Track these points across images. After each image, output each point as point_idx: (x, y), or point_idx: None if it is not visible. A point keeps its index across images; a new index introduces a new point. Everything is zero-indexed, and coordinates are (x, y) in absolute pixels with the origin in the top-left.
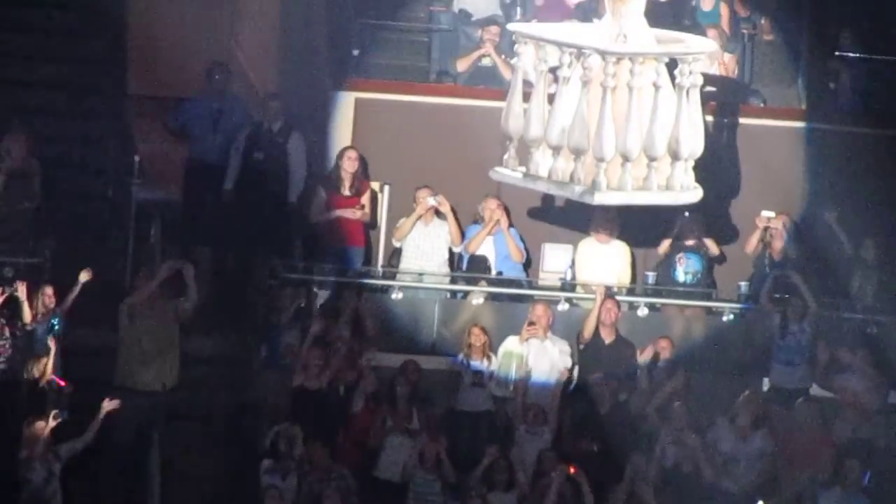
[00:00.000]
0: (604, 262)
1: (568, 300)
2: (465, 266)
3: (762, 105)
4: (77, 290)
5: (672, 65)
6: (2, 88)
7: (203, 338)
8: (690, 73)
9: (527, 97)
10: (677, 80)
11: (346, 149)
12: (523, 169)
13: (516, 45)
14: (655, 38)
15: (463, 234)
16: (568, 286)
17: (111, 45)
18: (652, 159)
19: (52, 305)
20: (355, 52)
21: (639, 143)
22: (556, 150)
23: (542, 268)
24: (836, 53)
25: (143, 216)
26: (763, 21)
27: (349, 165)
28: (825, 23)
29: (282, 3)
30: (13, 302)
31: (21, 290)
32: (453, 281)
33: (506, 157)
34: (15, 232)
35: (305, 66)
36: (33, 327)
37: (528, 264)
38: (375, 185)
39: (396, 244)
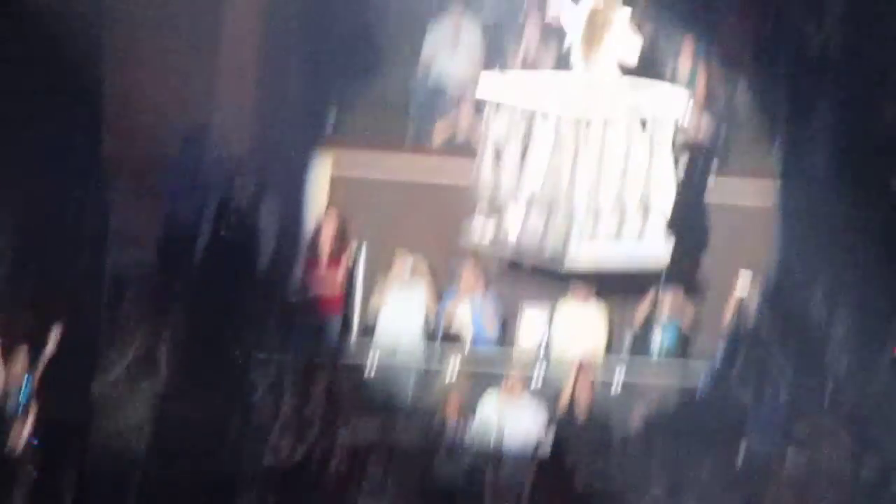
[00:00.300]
0: (580, 327)
1: (544, 365)
2: (440, 331)
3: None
4: (49, 347)
5: (643, 118)
6: None
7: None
8: (661, 127)
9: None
10: (648, 135)
11: (325, 212)
12: (493, 230)
13: (486, 108)
14: (627, 86)
15: (439, 298)
16: (544, 351)
17: (86, 108)
18: (622, 217)
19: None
20: (333, 115)
21: (610, 199)
22: (527, 210)
23: (519, 332)
24: (812, 122)
25: (117, 281)
26: (740, 87)
27: (328, 228)
28: (801, 92)
29: (260, 64)
30: None
31: None
32: (429, 350)
33: (476, 217)
34: None
35: (282, 127)
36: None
37: (505, 328)
38: (352, 248)
39: (372, 309)
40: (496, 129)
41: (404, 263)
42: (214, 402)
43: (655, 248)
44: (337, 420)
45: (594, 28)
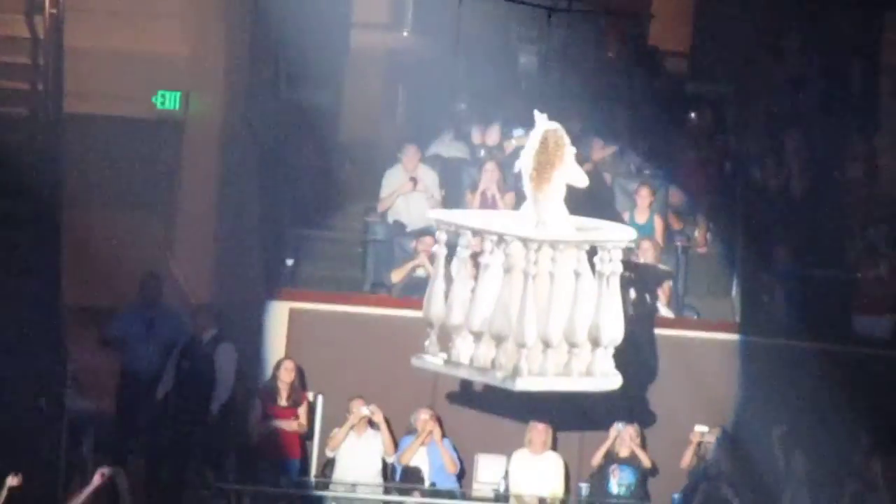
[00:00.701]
0: (537, 473)
1: None
2: (398, 477)
3: (695, 317)
4: (3, 494)
5: (592, 252)
6: None
7: None
8: (610, 260)
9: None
10: (598, 268)
11: (282, 359)
12: (444, 356)
13: (437, 232)
14: (575, 225)
15: (397, 445)
16: (501, 497)
17: (46, 256)
18: (572, 346)
19: None
20: (289, 262)
21: (560, 329)
22: (478, 336)
23: (476, 478)
24: (769, 267)
25: (76, 427)
26: (697, 234)
27: (286, 376)
28: (758, 237)
29: (216, 214)
30: None
31: None
32: (387, 492)
33: (427, 343)
34: None
35: (239, 276)
36: None
37: (462, 475)
38: (310, 395)
39: (330, 454)
40: (444, 252)
41: (361, 412)
42: None
43: (605, 380)
44: None
45: (542, 166)
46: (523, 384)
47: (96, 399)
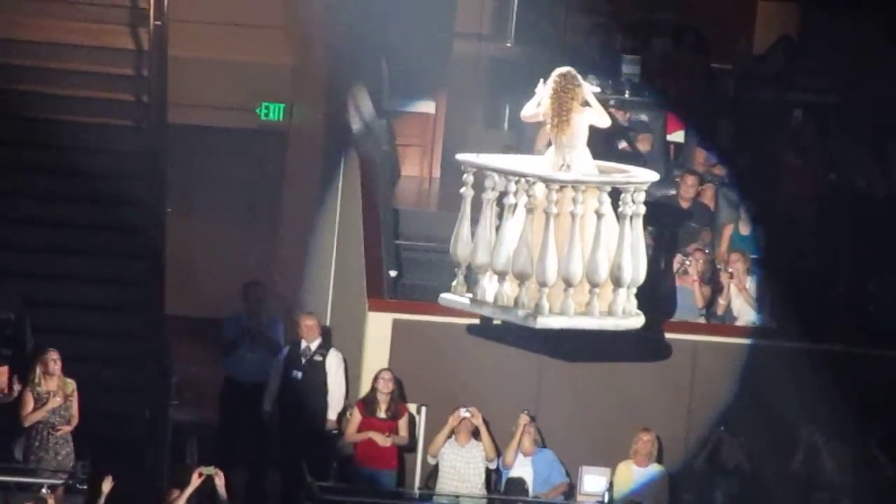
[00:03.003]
0: (642, 485)
1: None
2: (502, 488)
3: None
4: (103, 500)
5: (616, 194)
6: (40, 310)
7: None
8: (633, 202)
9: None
10: (620, 209)
11: (381, 371)
12: (470, 295)
13: (464, 174)
14: (599, 168)
15: (498, 452)
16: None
17: (149, 265)
18: (594, 285)
19: None
20: (392, 273)
21: (581, 269)
22: (502, 275)
23: (581, 490)
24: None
25: (180, 437)
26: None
27: (384, 387)
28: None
29: (317, 224)
30: None
31: (49, 500)
32: (490, 503)
33: (454, 283)
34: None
35: (342, 286)
36: None
37: (567, 487)
38: (412, 407)
39: (431, 460)
40: (471, 193)
41: (459, 413)
42: None
43: (627, 319)
44: None
45: (558, 111)
46: (544, 322)
47: (200, 408)
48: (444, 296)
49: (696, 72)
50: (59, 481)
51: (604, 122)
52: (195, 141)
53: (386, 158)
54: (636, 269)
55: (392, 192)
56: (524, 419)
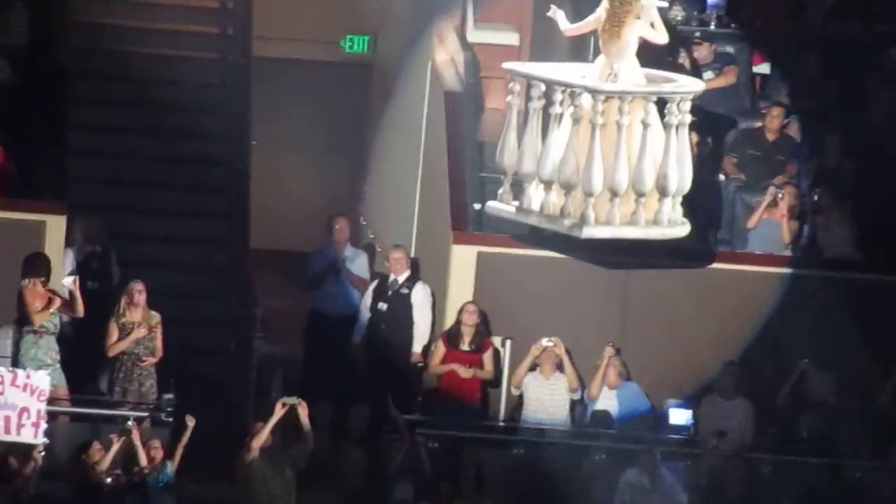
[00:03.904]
0: (727, 417)
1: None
2: (587, 420)
3: None
4: (186, 436)
5: (662, 103)
6: (126, 243)
7: (322, 492)
8: (679, 111)
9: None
10: (666, 119)
11: (466, 303)
12: (517, 203)
13: (511, 83)
14: (647, 77)
15: (583, 386)
16: (691, 442)
17: (234, 199)
18: (640, 195)
19: (160, 456)
20: (477, 206)
21: (627, 178)
22: (548, 184)
23: (666, 423)
24: None
25: (264, 371)
26: None
27: (469, 319)
28: None
29: (401, 157)
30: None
31: (135, 434)
32: (574, 436)
33: (500, 191)
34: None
35: (427, 219)
36: (146, 481)
37: (653, 420)
38: (497, 341)
39: (515, 391)
40: (520, 105)
41: (541, 343)
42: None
43: (673, 228)
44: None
45: (616, 12)
46: (590, 232)
47: (284, 342)
48: (491, 203)
49: (784, 4)
50: (145, 414)
51: (660, 38)
52: (279, 74)
53: (470, 91)
54: (682, 178)
55: (476, 125)
56: (609, 351)
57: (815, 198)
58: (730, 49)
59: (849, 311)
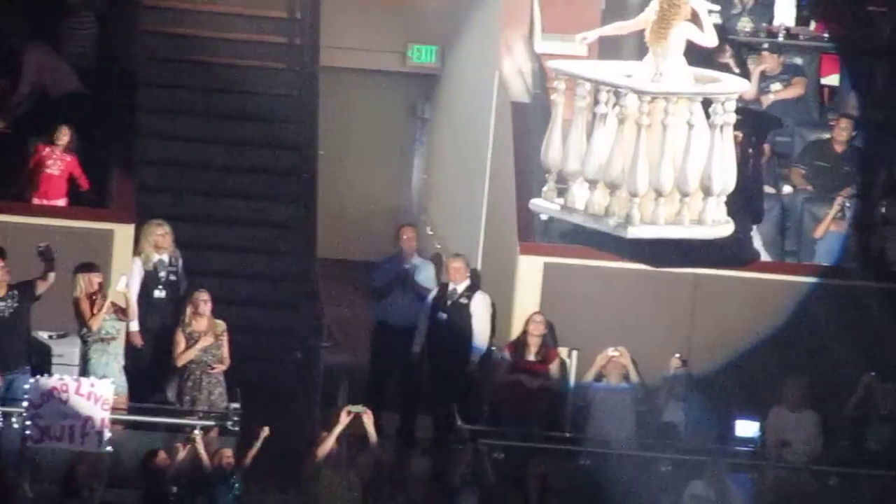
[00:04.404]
0: (794, 429)
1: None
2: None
3: None
4: (257, 446)
5: (707, 102)
6: (193, 252)
7: (387, 501)
8: (724, 111)
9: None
10: (711, 119)
11: (533, 313)
12: (561, 201)
13: (555, 82)
14: (694, 76)
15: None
16: (758, 453)
17: (301, 209)
18: (684, 195)
19: (230, 465)
20: (543, 218)
21: (671, 178)
22: (593, 183)
23: (733, 435)
24: None
25: (331, 380)
26: None
27: (535, 329)
28: None
29: (466, 167)
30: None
31: (200, 443)
32: (641, 447)
33: (545, 188)
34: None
35: (494, 229)
36: (214, 488)
37: (720, 433)
38: (563, 351)
39: (581, 402)
40: (563, 100)
41: (607, 352)
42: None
43: (716, 228)
44: None
45: (664, 13)
46: (635, 232)
47: (350, 350)
48: (535, 201)
49: (852, 14)
50: (212, 423)
51: (708, 41)
52: (346, 83)
53: (537, 101)
54: (725, 178)
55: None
56: (675, 363)
57: (883, 210)
58: (798, 60)
59: None
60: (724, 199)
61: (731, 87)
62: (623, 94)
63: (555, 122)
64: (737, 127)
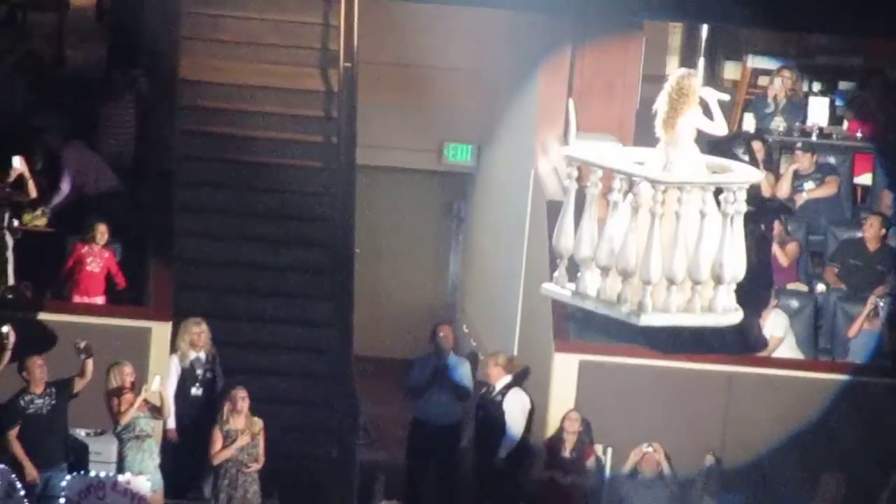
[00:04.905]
0: None
1: None
2: None
3: None
4: None
5: (720, 190)
6: (230, 350)
7: None
8: (735, 200)
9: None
10: (722, 207)
11: (569, 411)
12: (573, 286)
13: (569, 168)
14: (706, 163)
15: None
16: None
17: (337, 307)
18: (696, 283)
19: None
20: (578, 315)
21: (684, 267)
22: (605, 270)
23: None
24: None
25: (367, 477)
26: None
27: (570, 427)
28: None
29: (502, 265)
30: None
31: None
32: None
33: (556, 274)
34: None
35: (529, 327)
36: None
37: None
38: (599, 448)
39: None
40: (576, 187)
41: (641, 448)
42: None
43: (727, 315)
44: None
45: (673, 103)
46: (648, 319)
47: (387, 448)
48: (546, 286)
49: (884, 114)
50: None
51: (717, 129)
52: (383, 182)
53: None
54: (736, 266)
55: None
56: (709, 459)
57: None
58: (831, 160)
59: None
60: (734, 286)
61: (744, 176)
62: (637, 183)
63: (567, 209)
64: (748, 216)
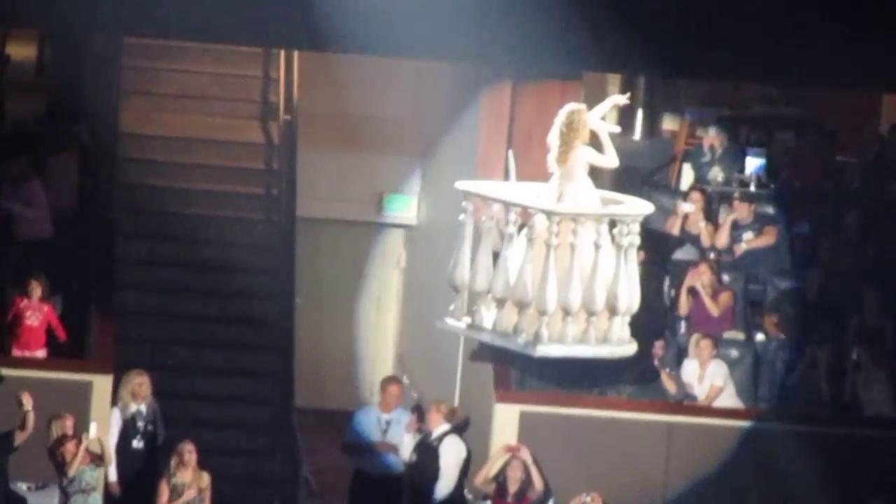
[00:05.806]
0: None
1: None
2: None
3: None
4: None
5: (613, 224)
6: (172, 402)
7: None
8: (629, 233)
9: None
10: (616, 240)
11: (511, 458)
12: (468, 319)
13: (464, 202)
14: (600, 197)
15: None
16: None
17: (279, 358)
18: (591, 314)
19: None
20: (518, 365)
21: (579, 297)
22: (501, 302)
23: None
24: None
25: None
26: None
27: (513, 473)
28: None
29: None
30: None
31: None
32: None
33: (452, 307)
34: None
35: (470, 378)
36: None
37: None
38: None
39: None
40: (471, 220)
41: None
42: None
43: (621, 347)
44: None
45: (564, 137)
46: (544, 350)
47: (328, 499)
48: (444, 319)
49: (821, 164)
50: None
51: (608, 163)
52: (323, 233)
53: None
54: (631, 297)
55: None
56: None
57: (855, 357)
58: (769, 209)
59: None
60: (628, 318)
61: (636, 209)
62: (532, 214)
63: (463, 242)
64: (640, 247)
